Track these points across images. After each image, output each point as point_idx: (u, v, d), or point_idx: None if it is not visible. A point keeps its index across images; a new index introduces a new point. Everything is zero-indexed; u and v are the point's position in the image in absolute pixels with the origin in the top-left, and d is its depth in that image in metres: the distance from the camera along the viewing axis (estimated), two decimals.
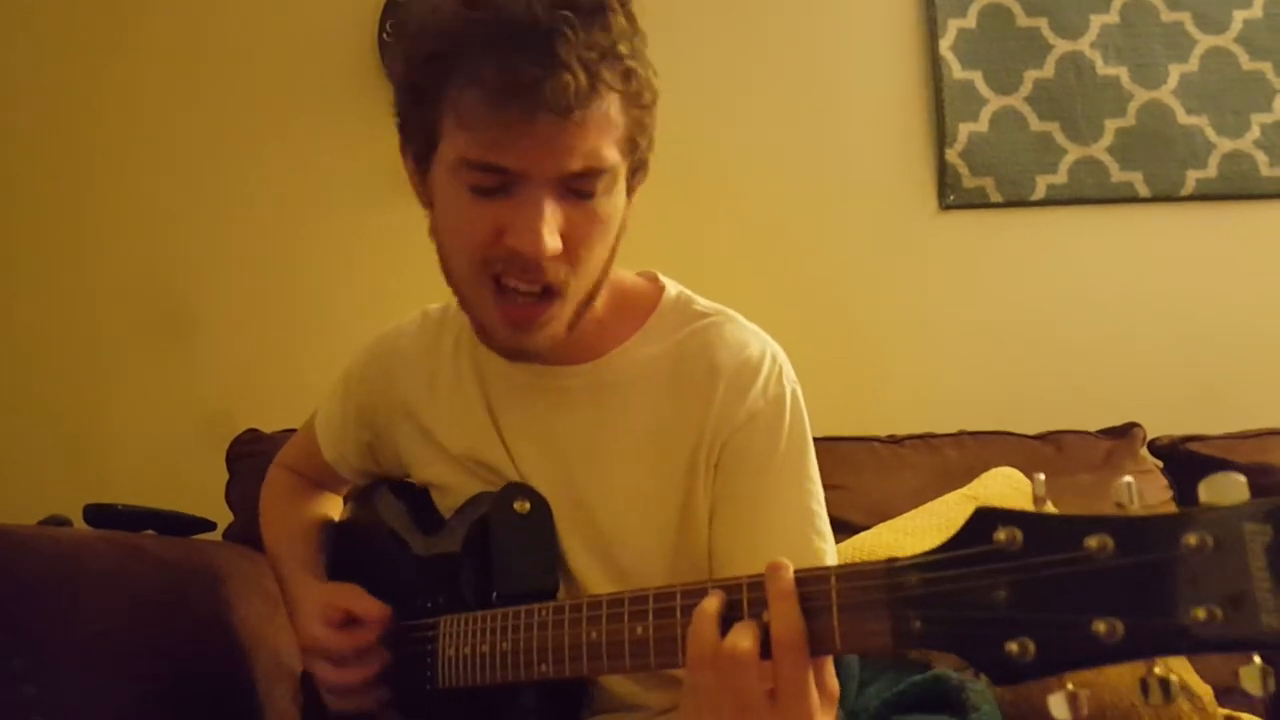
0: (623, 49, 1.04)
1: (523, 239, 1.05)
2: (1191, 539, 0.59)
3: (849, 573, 0.78)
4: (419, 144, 1.13)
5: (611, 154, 1.07)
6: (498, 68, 1.01)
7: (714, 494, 1.19)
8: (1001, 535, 0.67)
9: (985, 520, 0.68)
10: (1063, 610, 0.63)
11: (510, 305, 1.11)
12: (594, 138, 1.04)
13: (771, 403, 1.19)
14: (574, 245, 1.08)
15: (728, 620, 0.84)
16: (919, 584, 0.72)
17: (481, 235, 1.09)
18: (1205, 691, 1.66)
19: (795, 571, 0.82)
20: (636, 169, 1.14)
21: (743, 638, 0.82)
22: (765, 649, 0.81)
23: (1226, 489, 0.60)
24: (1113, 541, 0.62)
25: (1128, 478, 0.63)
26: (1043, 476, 0.68)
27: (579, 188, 1.07)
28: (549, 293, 1.10)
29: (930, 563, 0.72)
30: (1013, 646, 0.65)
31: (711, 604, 0.85)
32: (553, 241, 1.05)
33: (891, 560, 0.74)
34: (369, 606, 1.23)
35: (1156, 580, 0.61)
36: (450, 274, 1.16)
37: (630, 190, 1.15)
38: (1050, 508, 0.67)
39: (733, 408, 1.18)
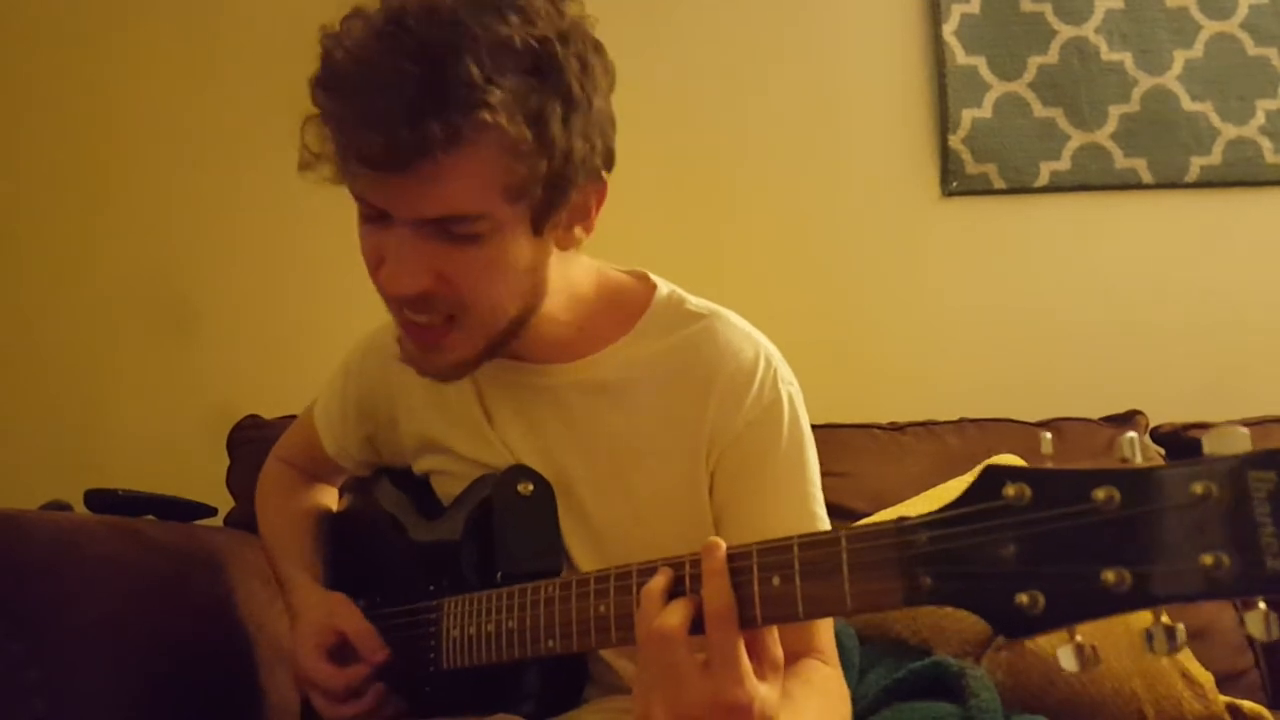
0: (492, 98, 0.98)
1: (385, 276, 1.07)
2: (1197, 488, 0.60)
3: (859, 533, 0.79)
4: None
5: (482, 201, 1.03)
6: (339, 115, 1.02)
7: (716, 501, 1.19)
8: (1010, 491, 0.67)
9: (994, 477, 0.69)
10: (1071, 562, 0.64)
11: (412, 326, 1.12)
12: (452, 187, 1.01)
13: (767, 408, 1.18)
14: (456, 286, 1.07)
15: (673, 596, 0.90)
16: (929, 541, 0.73)
17: (371, 264, 1.10)
18: (1206, 679, 1.66)
19: (799, 536, 0.84)
20: (546, 210, 1.08)
21: (671, 615, 0.88)
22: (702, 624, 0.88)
23: (1230, 440, 0.61)
24: (1119, 493, 0.62)
25: (1131, 433, 0.64)
26: (1049, 435, 0.68)
27: (453, 231, 1.04)
28: (445, 321, 1.10)
29: (940, 520, 0.72)
30: (1023, 599, 0.66)
31: (658, 582, 0.91)
32: (412, 283, 1.05)
33: (901, 519, 0.75)
34: (360, 630, 1.24)
35: (1163, 529, 0.61)
36: None
37: (543, 229, 1.09)
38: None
39: (729, 415, 1.17)
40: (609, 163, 1.13)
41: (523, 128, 1.00)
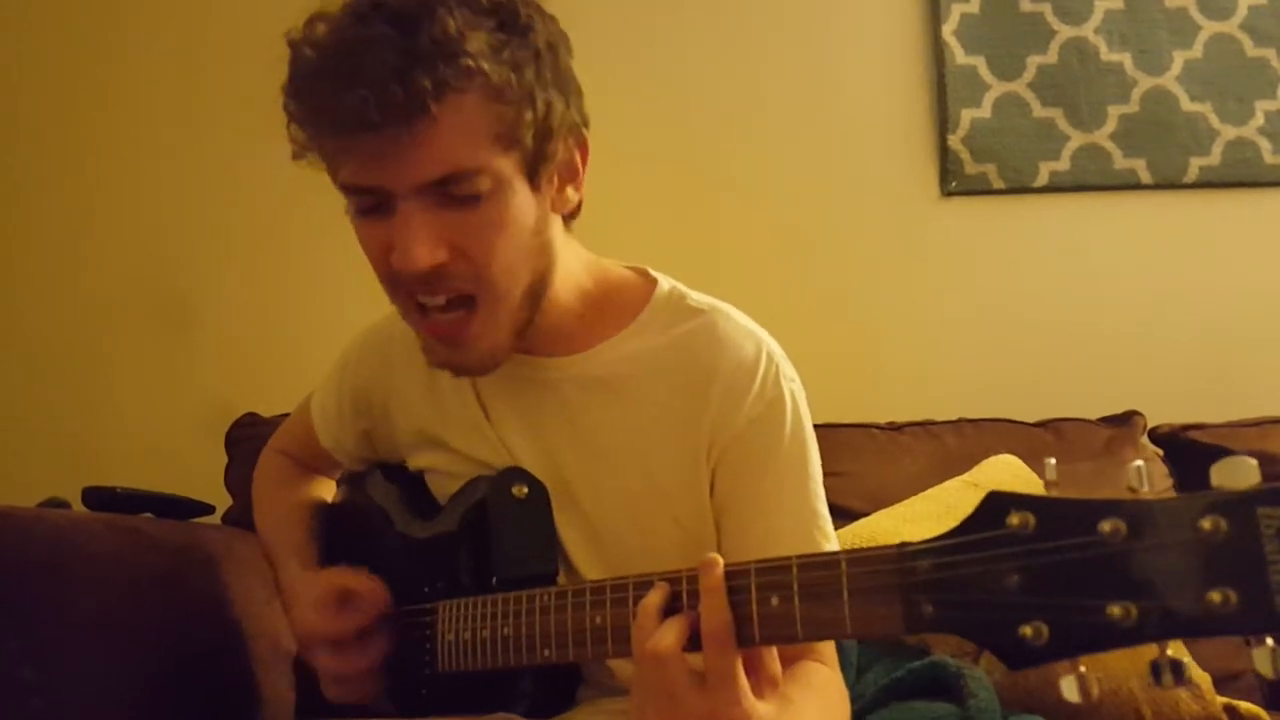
0: (470, 47, 1.00)
1: (398, 256, 1.05)
2: (1205, 523, 0.59)
3: (859, 557, 0.78)
4: (329, 172, 1.11)
5: (479, 155, 1.03)
6: (322, 94, 1.02)
7: (717, 499, 1.19)
8: (1014, 519, 0.67)
9: (998, 504, 0.68)
10: (1076, 594, 0.64)
11: (433, 322, 1.11)
12: (448, 142, 1.01)
13: (769, 405, 1.17)
14: (469, 252, 1.06)
15: (670, 612, 0.90)
16: (931, 568, 0.72)
17: (378, 255, 1.09)
18: (1204, 679, 1.66)
19: (798, 557, 0.83)
20: (538, 161, 1.08)
21: (666, 634, 0.88)
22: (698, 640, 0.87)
23: (1238, 473, 0.60)
24: (1126, 525, 0.62)
25: (1139, 462, 0.64)
26: (1054, 461, 0.68)
27: (456, 193, 1.04)
28: (463, 303, 1.09)
29: (942, 547, 0.72)
30: (1026, 630, 0.65)
31: (654, 598, 0.90)
32: (427, 255, 1.04)
33: (903, 545, 0.74)
34: (363, 581, 1.22)
35: (1170, 564, 0.61)
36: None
37: (539, 183, 1.10)
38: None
39: (730, 412, 1.16)
40: (585, 121, 1.15)
41: (505, 71, 1.02)
